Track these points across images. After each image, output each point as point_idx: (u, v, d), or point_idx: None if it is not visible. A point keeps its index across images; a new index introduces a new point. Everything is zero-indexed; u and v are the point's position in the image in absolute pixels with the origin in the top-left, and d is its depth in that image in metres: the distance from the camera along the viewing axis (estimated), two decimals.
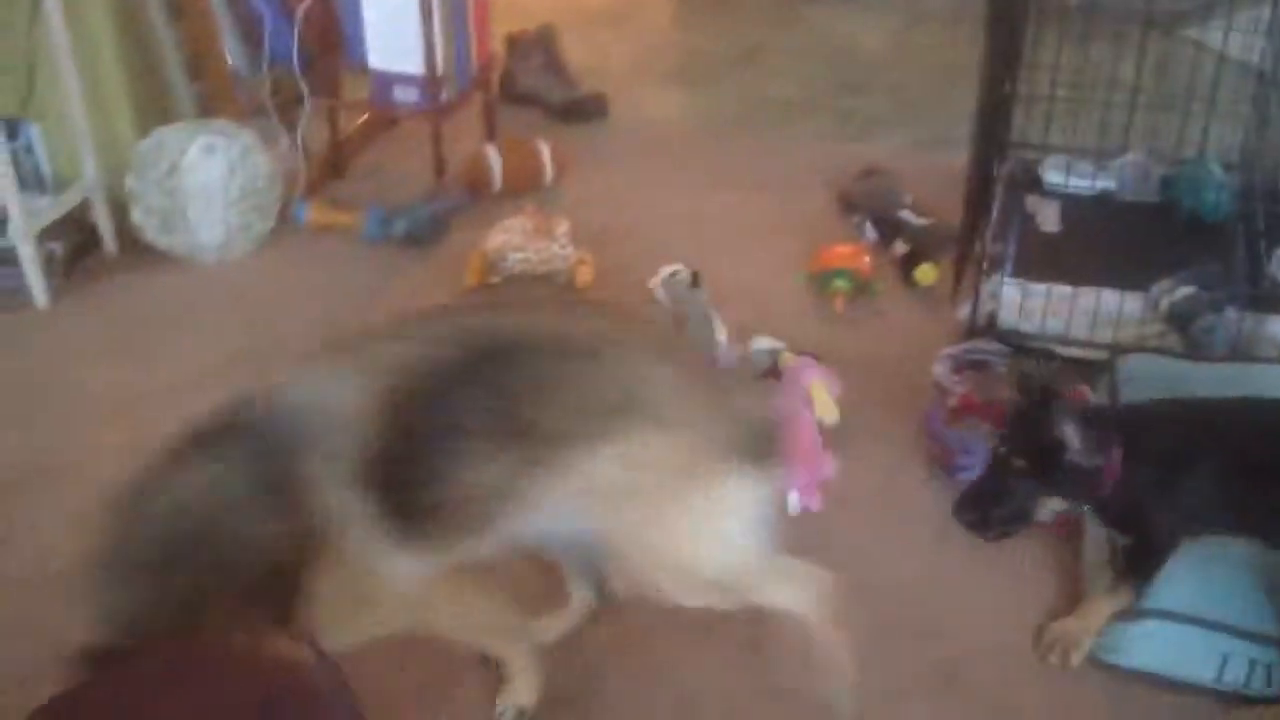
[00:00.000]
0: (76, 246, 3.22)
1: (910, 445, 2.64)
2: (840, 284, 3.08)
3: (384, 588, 1.61)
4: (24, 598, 2.22)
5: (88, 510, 1.59)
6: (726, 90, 4.39)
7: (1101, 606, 2.12)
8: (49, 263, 3.09)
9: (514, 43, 4.19)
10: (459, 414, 1.59)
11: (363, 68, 3.47)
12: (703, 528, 1.73)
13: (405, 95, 3.47)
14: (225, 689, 1.26)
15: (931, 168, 3.55)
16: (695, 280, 3.07)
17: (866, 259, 3.14)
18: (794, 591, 1.88)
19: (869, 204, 3.40)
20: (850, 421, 2.64)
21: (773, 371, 2.76)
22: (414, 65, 3.40)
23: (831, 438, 2.58)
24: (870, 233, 3.32)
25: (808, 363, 2.70)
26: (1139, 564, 2.10)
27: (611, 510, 1.69)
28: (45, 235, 3.09)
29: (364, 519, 1.55)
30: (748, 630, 2.12)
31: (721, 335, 2.90)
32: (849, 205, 3.48)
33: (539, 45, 4.18)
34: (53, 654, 1.38)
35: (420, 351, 1.63)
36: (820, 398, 2.62)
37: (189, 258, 3.24)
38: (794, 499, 2.44)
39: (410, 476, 1.58)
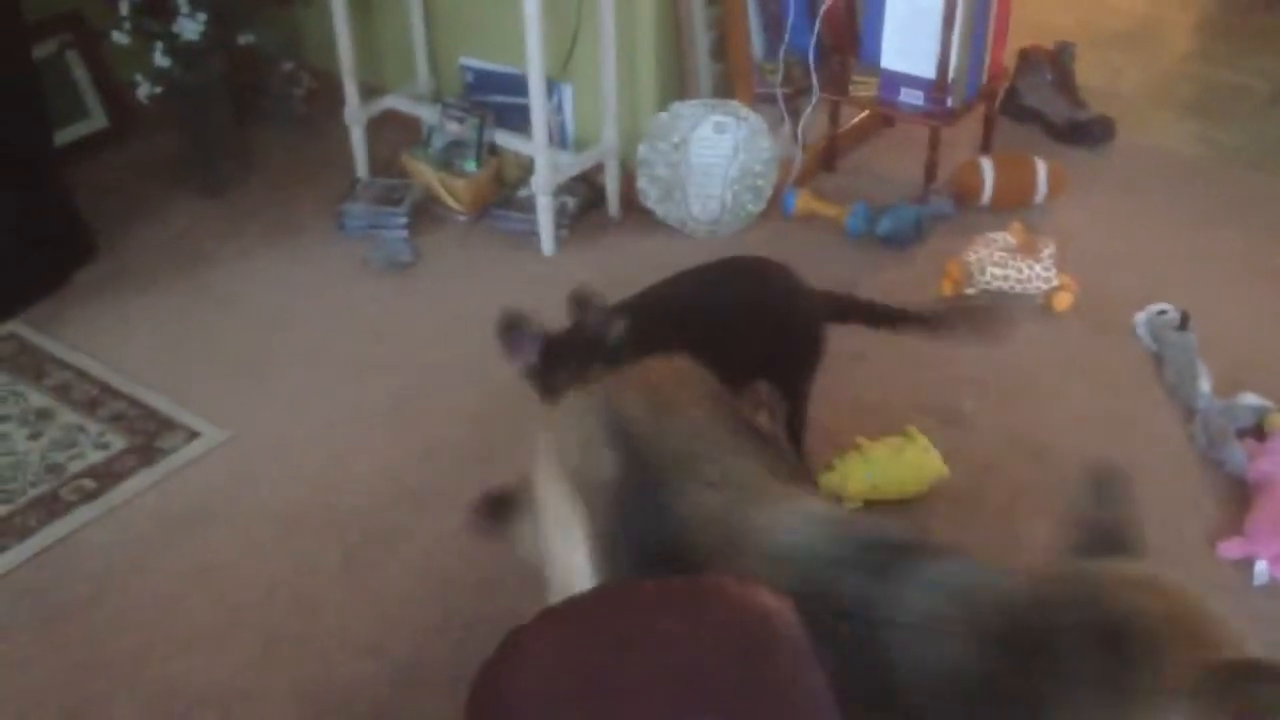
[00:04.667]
0: (586, 204, 3.50)
1: None
2: None
3: None
4: None
5: None
6: (1245, 127, 4.12)
7: None
8: (560, 215, 3.37)
9: (1026, 57, 4.13)
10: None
11: (873, 67, 3.54)
12: None
13: (911, 98, 3.51)
14: (714, 622, 1.35)
15: None
16: (1184, 321, 2.93)
17: None
18: None
19: None
20: None
21: (1256, 430, 2.60)
22: (926, 69, 3.43)
23: None
24: None
25: None
26: None
27: None
28: (561, 190, 3.37)
29: None
30: None
31: (1206, 384, 2.75)
32: None
33: (1051, 62, 4.09)
34: None
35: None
36: None
37: (681, 228, 3.43)
38: (1262, 568, 2.30)
39: None
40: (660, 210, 3.44)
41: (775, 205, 3.50)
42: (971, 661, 1.40)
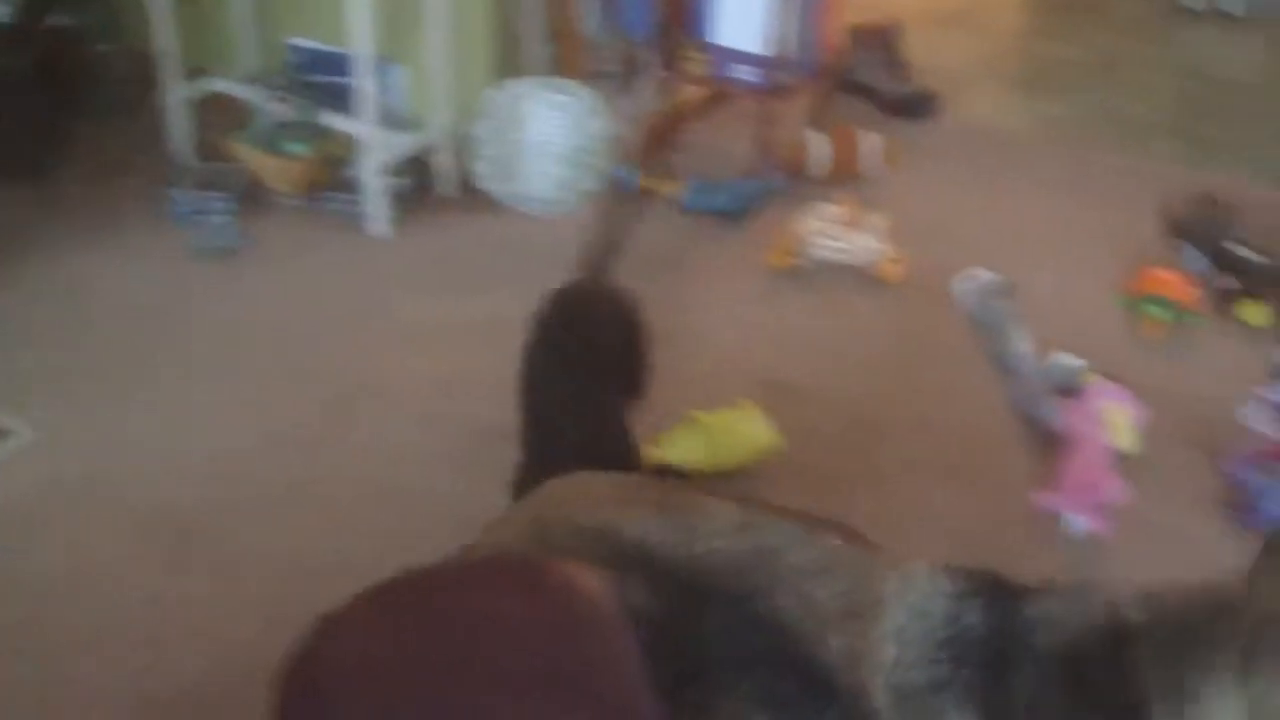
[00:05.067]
0: (419, 184, 3.46)
1: (1207, 485, 2.53)
2: (1157, 311, 2.96)
3: None
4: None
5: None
6: (1070, 101, 4.27)
7: None
8: (392, 197, 3.33)
9: (857, 34, 4.20)
10: None
11: (707, 44, 3.57)
12: None
13: (744, 74, 3.54)
14: (533, 602, 1.34)
15: (1276, 204, 3.36)
16: (1003, 288, 3.01)
17: (1187, 288, 3.01)
18: None
19: (1199, 233, 3.25)
20: (1148, 453, 2.55)
21: (1070, 389, 2.69)
22: (758, 45, 3.47)
23: (1128, 466, 2.50)
24: (1197, 262, 3.18)
25: (1109, 386, 2.62)
26: None
27: None
28: (393, 171, 3.33)
29: None
30: None
31: (1023, 346, 2.84)
32: (1178, 231, 3.33)
33: (881, 39, 4.18)
34: None
35: None
36: (1118, 422, 2.54)
37: (518, 207, 3.42)
38: (1074, 520, 2.38)
39: None
40: (497, 189, 3.42)
41: (614, 182, 3.50)
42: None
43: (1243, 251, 3.13)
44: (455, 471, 2.47)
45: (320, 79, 3.49)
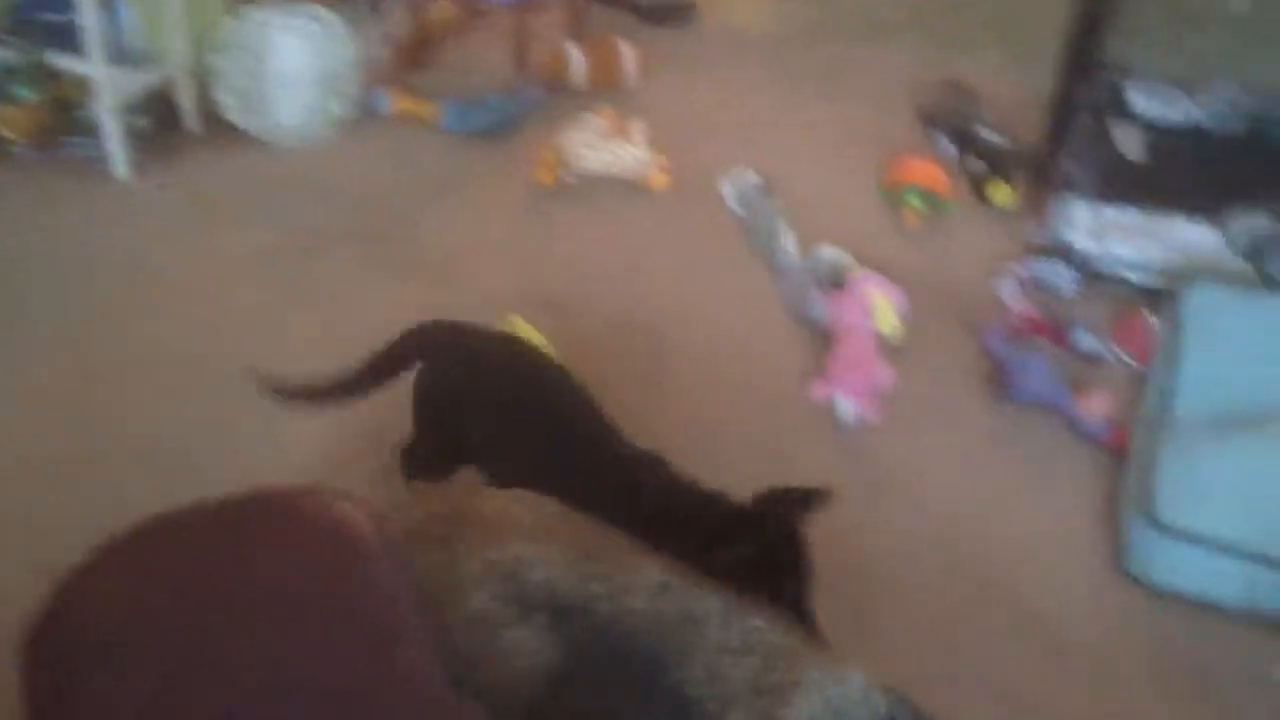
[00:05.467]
0: (160, 122, 3.28)
1: (969, 361, 2.63)
2: (913, 200, 3.05)
3: None
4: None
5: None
6: (823, 3, 4.32)
7: None
8: (132, 136, 3.15)
9: None
10: None
11: None
12: None
13: None
14: (290, 538, 1.29)
15: (1017, 88, 3.48)
16: (766, 187, 3.06)
17: (941, 176, 3.10)
18: None
19: (948, 120, 3.36)
20: (910, 335, 2.64)
21: (836, 281, 2.75)
22: None
23: (893, 351, 2.58)
24: (947, 149, 3.28)
25: (872, 275, 2.69)
26: None
27: None
28: (131, 109, 3.15)
29: None
30: None
31: (788, 243, 2.89)
32: (928, 120, 3.43)
33: None
34: None
35: None
36: (883, 311, 2.61)
37: (268, 139, 3.28)
38: (848, 407, 2.44)
39: None
40: (243, 122, 3.27)
41: (367, 107, 3.40)
42: None
43: (988, 135, 3.24)
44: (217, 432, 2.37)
45: (45, 18, 3.26)
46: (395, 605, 1.24)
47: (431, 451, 2.00)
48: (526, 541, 1.46)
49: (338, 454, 2.26)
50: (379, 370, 1.99)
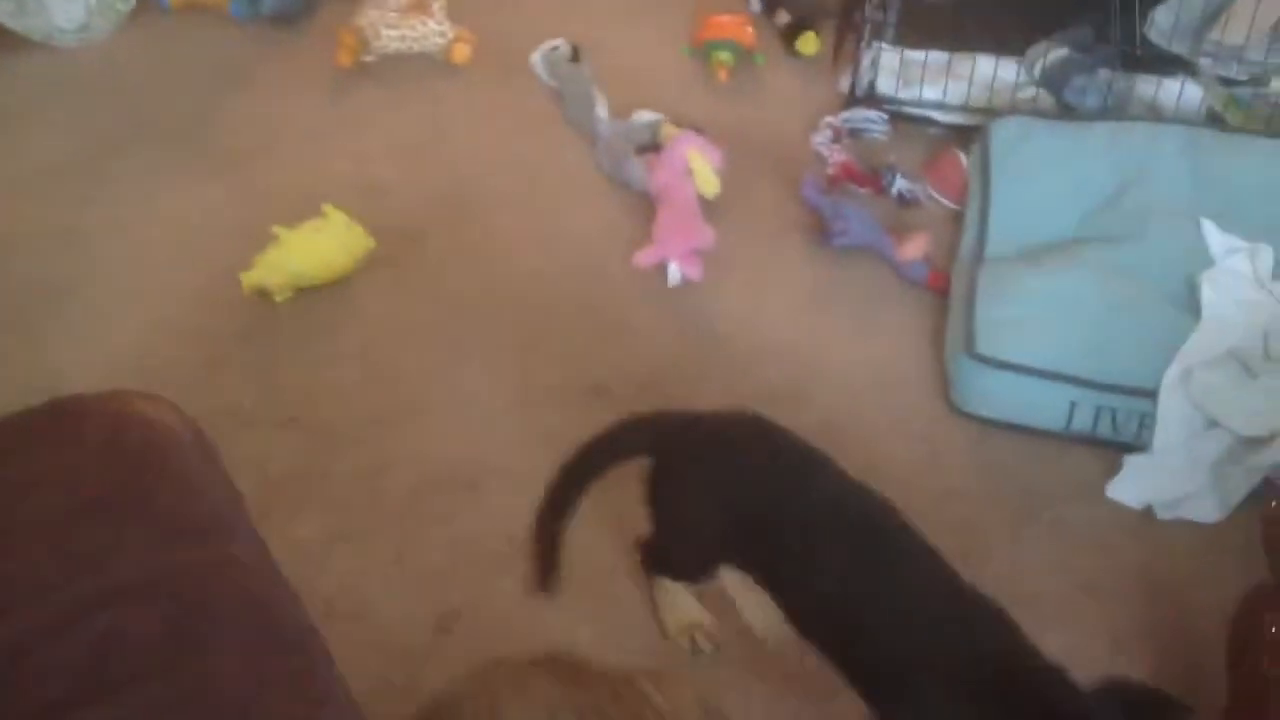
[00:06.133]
0: None
1: (790, 214, 2.65)
2: (723, 55, 3.03)
3: None
4: None
5: None
6: None
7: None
8: None
9: None
10: None
11: None
12: None
13: None
14: (89, 442, 1.25)
15: None
16: (576, 54, 3.01)
17: (749, 29, 3.09)
18: None
19: None
20: (731, 192, 2.64)
21: (653, 145, 2.73)
22: None
23: (712, 208, 2.58)
24: (755, 3, 3.26)
25: (688, 135, 2.68)
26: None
27: None
28: None
29: None
30: None
31: (602, 110, 2.86)
32: None
33: None
34: None
35: None
36: (700, 169, 2.60)
37: (47, 41, 3.09)
38: (674, 270, 2.45)
39: None
40: (19, 24, 3.07)
41: (149, 1, 3.23)
42: None
43: None
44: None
45: None
46: (201, 501, 1.22)
47: (686, 557, 1.78)
48: None
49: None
50: (588, 472, 1.71)
